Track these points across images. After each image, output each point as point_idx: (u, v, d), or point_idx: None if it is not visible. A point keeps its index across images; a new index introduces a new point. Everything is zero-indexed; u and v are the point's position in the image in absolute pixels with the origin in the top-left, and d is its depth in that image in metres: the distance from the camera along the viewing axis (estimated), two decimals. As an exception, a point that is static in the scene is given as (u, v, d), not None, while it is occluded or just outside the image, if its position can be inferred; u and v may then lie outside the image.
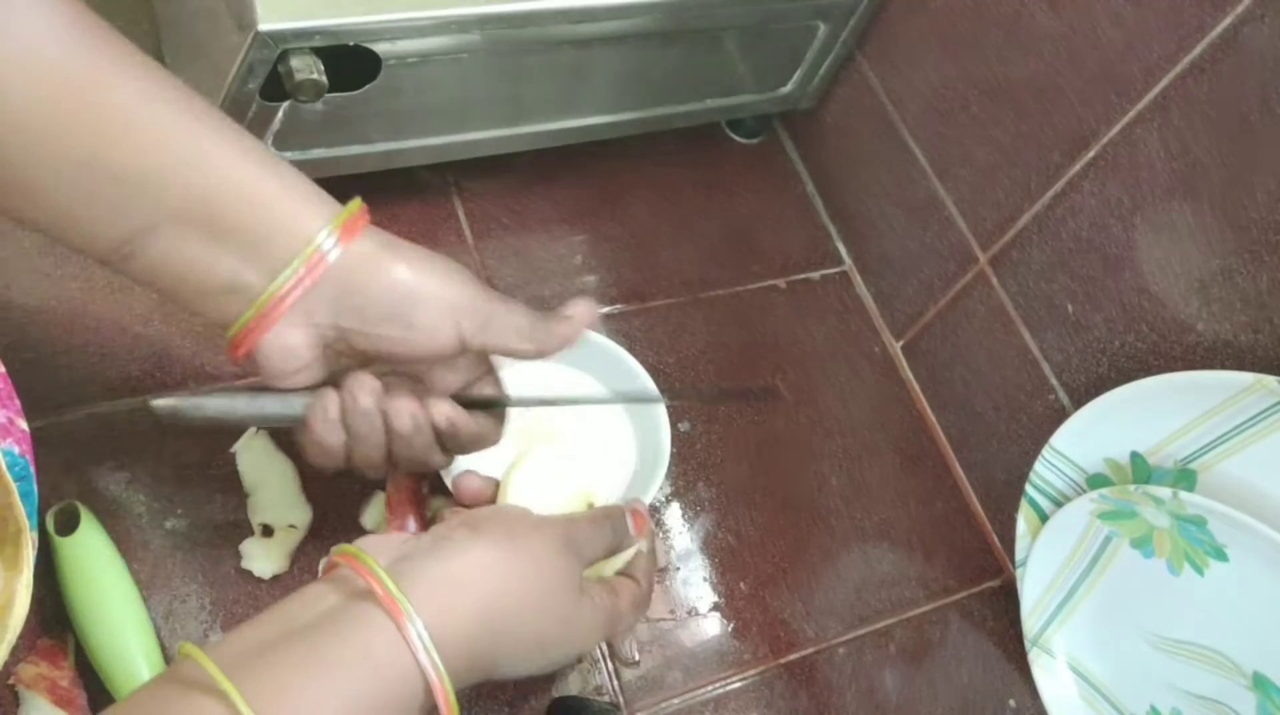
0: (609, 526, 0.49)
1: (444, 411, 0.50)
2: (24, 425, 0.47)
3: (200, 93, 0.44)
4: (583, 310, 0.51)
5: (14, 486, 0.43)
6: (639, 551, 0.52)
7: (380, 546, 0.42)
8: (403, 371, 0.50)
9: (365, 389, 0.47)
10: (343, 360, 0.48)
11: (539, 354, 0.50)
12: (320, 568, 0.42)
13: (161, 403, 0.46)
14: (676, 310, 0.78)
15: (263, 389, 0.48)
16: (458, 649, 0.40)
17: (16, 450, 0.45)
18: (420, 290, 0.46)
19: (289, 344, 0.46)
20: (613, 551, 0.50)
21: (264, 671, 0.36)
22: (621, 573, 0.51)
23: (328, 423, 0.48)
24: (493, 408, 0.53)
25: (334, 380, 0.49)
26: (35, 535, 0.44)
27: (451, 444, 0.52)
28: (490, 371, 0.53)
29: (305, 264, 0.44)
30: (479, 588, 0.41)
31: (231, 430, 0.61)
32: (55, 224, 0.42)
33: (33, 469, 0.46)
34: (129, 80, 0.41)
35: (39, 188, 0.41)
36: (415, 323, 0.46)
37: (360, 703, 0.37)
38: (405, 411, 0.48)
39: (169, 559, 0.57)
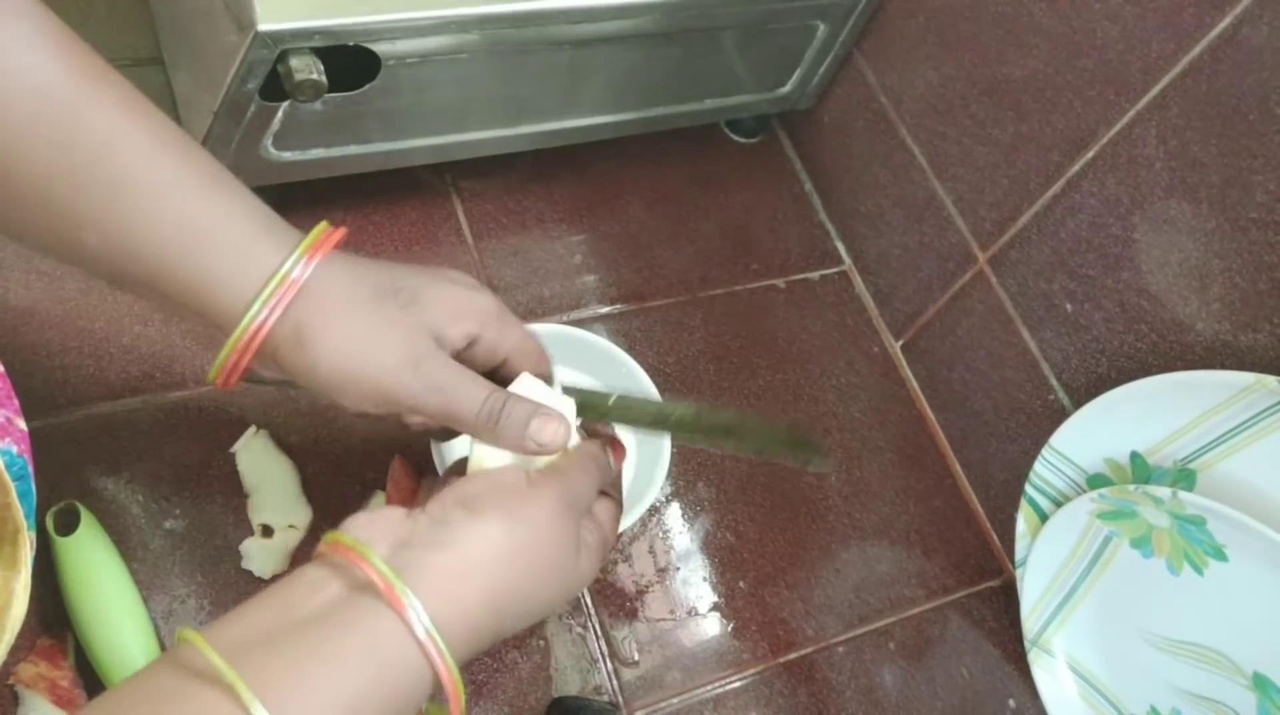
0: (595, 468, 0.48)
1: (415, 419, 0.51)
2: (23, 425, 0.47)
3: (200, 93, 0.44)
4: (550, 432, 0.46)
5: (12, 486, 0.43)
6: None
7: (375, 530, 0.41)
8: None
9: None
10: None
11: (491, 443, 0.47)
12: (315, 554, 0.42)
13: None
14: (676, 310, 0.78)
15: None
16: (463, 635, 0.39)
17: (15, 450, 0.45)
18: (330, 384, 0.44)
19: (268, 372, 0.46)
20: (601, 490, 0.49)
21: (269, 663, 0.35)
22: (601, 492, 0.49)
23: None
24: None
25: None
26: (34, 535, 0.44)
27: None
28: (513, 348, 0.50)
29: (275, 297, 0.42)
30: (483, 573, 0.41)
31: (235, 430, 0.61)
32: (37, 248, 0.43)
33: (31, 469, 0.46)
34: (80, 132, 0.40)
35: (10, 215, 0.41)
36: (339, 403, 0.45)
37: (368, 696, 0.37)
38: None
39: (169, 559, 0.57)
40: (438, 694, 0.40)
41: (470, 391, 0.45)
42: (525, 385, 0.48)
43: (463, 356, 0.47)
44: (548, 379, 0.51)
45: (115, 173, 0.40)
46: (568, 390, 0.51)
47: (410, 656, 0.38)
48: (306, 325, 0.43)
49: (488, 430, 0.45)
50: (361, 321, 0.44)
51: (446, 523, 0.41)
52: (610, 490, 0.50)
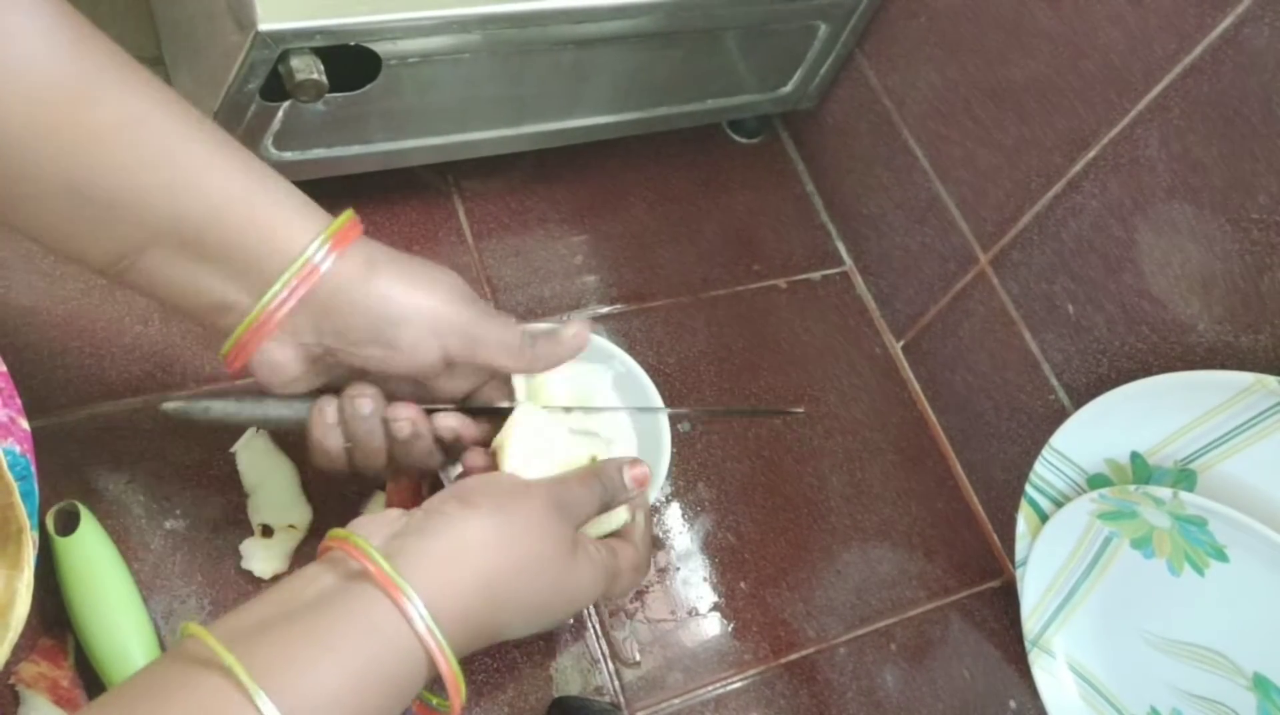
0: (598, 484, 0.49)
1: (448, 424, 0.51)
2: (25, 424, 0.47)
3: (201, 93, 0.44)
4: (576, 330, 0.52)
5: (15, 486, 0.43)
6: (635, 517, 0.51)
7: (373, 527, 0.42)
8: (401, 381, 0.50)
9: (364, 397, 0.48)
10: (336, 370, 0.49)
11: (527, 371, 0.51)
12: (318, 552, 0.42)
13: (172, 406, 0.48)
14: (677, 310, 0.78)
15: (266, 393, 0.49)
16: (458, 621, 0.40)
17: (18, 449, 0.45)
18: (402, 311, 0.46)
19: (277, 360, 0.46)
20: (606, 507, 0.50)
21: (267, 647, 0.36)
22: (618, 536, 0.51)
23: (326, 427, 0.49)
24: (498, 414, 0.53)
25: (335, 386, 0.49)
26: (36, 535, 0.44)
27: (455, 450, 0.52)
28: (496, 375, 0.53)
29: (297, 278, 0.44)
30: (474, 559, 0.41)
31: (235, 430, 0.61)
32: (47, 239, 0.43)
33: (33, 468, 0.46)
34: (118, 103, 0.41)
35: (28, 205, 0.41)
36: (398, 343, 0.46)
37: (365, 678, 0.37)
38: (405, 419, 0.49)
39: (169, 559, 0.57)
40: (437, 685, 0.40)
41: (512, 325, 0.50)
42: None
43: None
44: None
45: (162, 135, 0.42)
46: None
47: (406, 640, 0.38)
48: (376, 258, 0.46)
49: (531, 350, 0.50)
50: (417, 266, 0.48)
51: (440, 514, 0.42)
52: (634, 540, 0.51)
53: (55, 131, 0.40)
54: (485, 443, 0.53)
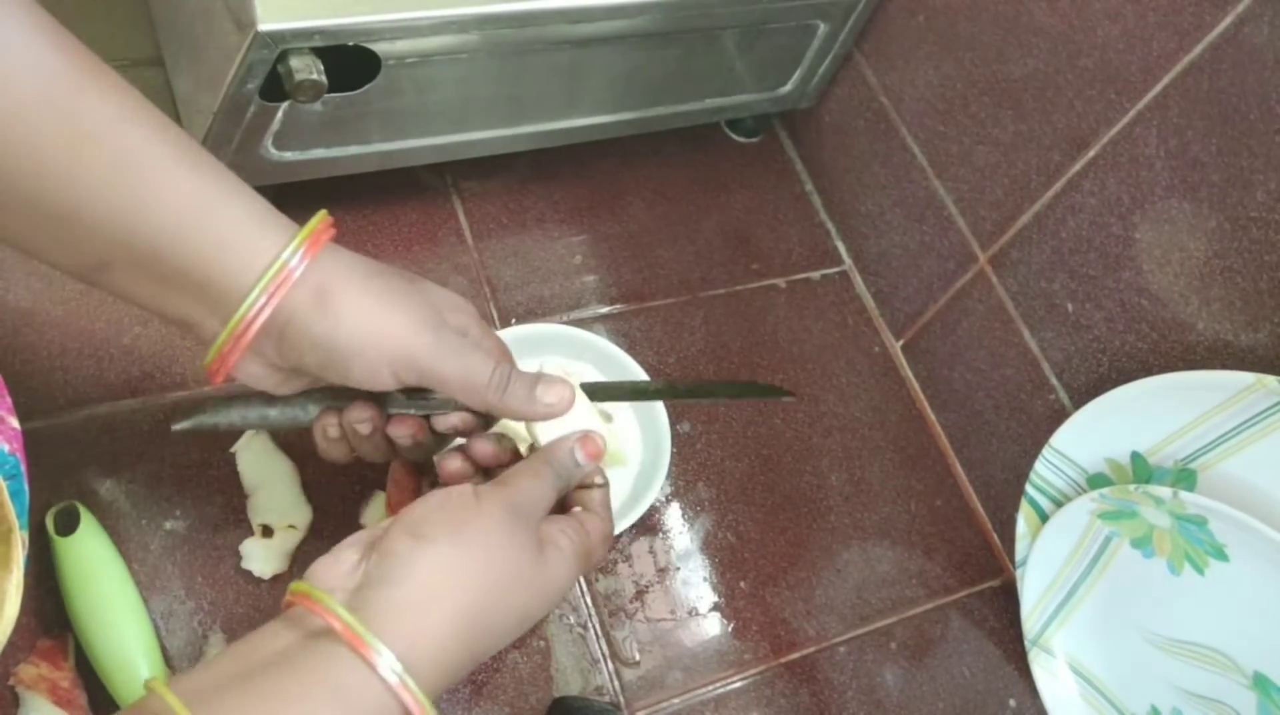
0: (549, 471, 0.47)
1: (450, 423, 0.51)
2: (15, 423, 0.47)
3: (200, 93, 0.44)
4: (554, 399, 0.49)
5: (4, 485, 0.43)
6: (593, 490, 0.50)
7: (332, 575, 0.41)
8: None
9: (364, 422, 0.49)
10: (318, 381, 0.48)
11: (490, 413, 0.50)
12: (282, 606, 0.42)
13: (180, 426, 0.49)
14: (676, 310, 0.78)
15: (269, 398, 0.49)
16: (435, 667, 0.39)
17: (7, 448, 0.45)
18: (350, 344, 0.44)
19: (254, 373, 0.46)
20: (562, 492, 0.48)
21: (224, 708, 0.36)
22: (585, 509, 0.50)
23: (330, 441, 0.50)
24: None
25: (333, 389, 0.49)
26: (26, 535, 0.44)
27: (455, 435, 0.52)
28: (492, 347, 0.52)
29: (265, 296, 0.43)
30: (442, 599, 0.40)
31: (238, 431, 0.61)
32: (21, 247, 0.42)
33: (23, 467, 0.46)
34: (74, 119, 0.40)
35: None
36: (350, 371, 0.45)
37: None
38: (405, 435, 0.50)
39: (169, 559, 0.57)
40: None
41: (483, 359, 0.47)
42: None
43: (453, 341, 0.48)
44: None
45: (119, 147, 0.40)
46: None
47: (376, 696, 0.38)
48: (328, 286, 0.44)
49: (497, 395, 0.47)
50: (379, 287, 0.45)
51: (396, 554, 0.41)
52: (595, 508, 0.50)
53: (16, 145, 0.39)
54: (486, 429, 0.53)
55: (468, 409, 0.51)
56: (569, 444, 0.49)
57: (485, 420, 0.53)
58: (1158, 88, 0.58)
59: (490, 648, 0.43)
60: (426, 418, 0.51)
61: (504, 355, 0.51)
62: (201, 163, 0.43)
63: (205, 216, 0.42)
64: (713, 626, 0.66)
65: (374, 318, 0.44)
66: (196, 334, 0.45)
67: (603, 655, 0.62)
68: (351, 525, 0.61)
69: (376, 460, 0.51)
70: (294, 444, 0.62)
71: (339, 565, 0.42)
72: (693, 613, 0.66)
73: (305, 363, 0.45)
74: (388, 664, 0.37)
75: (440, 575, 0.41)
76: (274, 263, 0.42)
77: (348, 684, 0.37)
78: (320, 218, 0.45)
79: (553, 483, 0.47)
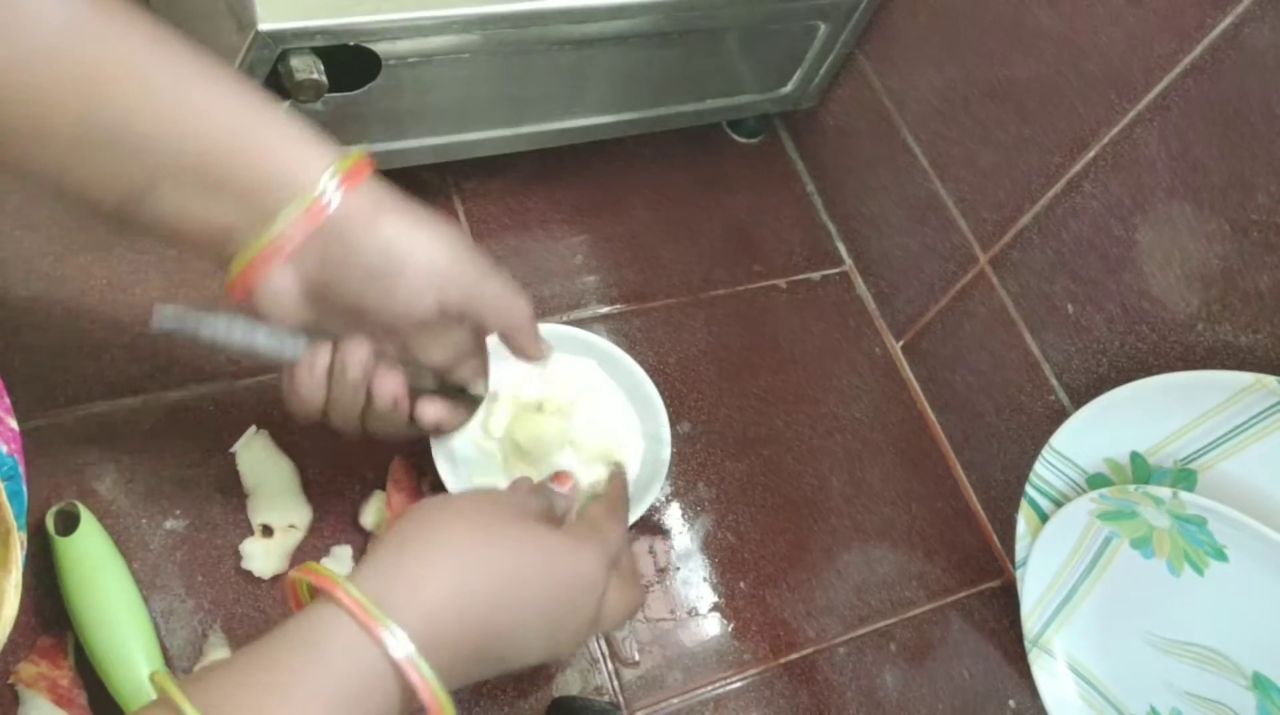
0: (531, 493, 0.50)
1: (431, 411, 0.52)
2: (13, 424, 0.47)
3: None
4: (540, 348, 0.53)
5: (2, 486, 0.43)
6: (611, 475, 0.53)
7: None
8: (391, 334, 0.49)
9: (355, 360, 0.48)
10: (331, 313, 0.48)
11: (517, 334, 0.52)
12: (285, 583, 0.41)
13: (163, 323, 0.47)
14: (677, 310, 0.78)
15: (262, 323, 0.48)
16: (448, 639, 0.38)
17: (5, 449, 0.45)
18: (404, 256, 0.45)
19: (279, 288, 0.46)
20: (548, 511, 0.49)
21: (218, 685, 0.35)
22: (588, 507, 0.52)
23: (313, 376, 0.48)
24: (474, 402, 0.55)
25: (327, 332, 0.49)
26: (24, 535, 0.44)
27: (431, 428, 0.54)
28: (479, 352, 0.54)
29: (306, 210, 0.43)
30: (445, 570, 0.40)
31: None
32: (58, 180, 0.43)
33: (22, 468, 0.46)
34: (125, 39, 0.41)
35: (38, 149, 0.41)
36: (395, 289, 0.45)
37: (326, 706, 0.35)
38: (388, 392, 0.49)
39: (169, 559, 0.57)
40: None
41: (518, 290, 0.50)
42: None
43: (469, 301, 0.50)
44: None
45: (163, 63, 0.42)
46: None
47: (380, 674, 0.37)
48: (382, 205, 0.45)
49: (523, 320, 0.51)
50: (424, 216, 0.47)
51: (389, 537, 0.41)
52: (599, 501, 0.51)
53: (62, 70, 0.39)
54: (458, 425, 0.55)
55: (442, 393, 0.52)
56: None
57: (459, 416, 0.54)
58: (1158, 89, 0.58)
59: (511, 631, 0.41)
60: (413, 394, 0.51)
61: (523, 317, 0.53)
62: (246, 85, 0.44)
63: (257, 119, 0.43)
64: (712, 627, 0.66)
65: (424, 239, 0.46)
66: (227, 250, 0.45)
67: (602, 655, 0.62)
68: (351, 525, 0.61)
69: (345, 416, 0.50)
70: (294, 444, 0.62)
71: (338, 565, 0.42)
72: (692, 613, 0.66)
73: (347, 281, 0.45)
74: (398, 642, 0.36)
75: (444, 547, 0.41)
76: (330, 167, 0.44)
77: (345, 651, 0.36)
78: (359, 154, 0.46)
79: (538, 505, 0.48)
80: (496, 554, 0.41)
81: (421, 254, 0.46)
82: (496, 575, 0.41)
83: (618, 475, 0.56)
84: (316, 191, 0.43)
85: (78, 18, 0.40)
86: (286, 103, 0.58)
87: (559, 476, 0.52)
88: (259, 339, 0.48)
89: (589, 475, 0.63)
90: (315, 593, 0.39)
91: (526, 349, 0.53)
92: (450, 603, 0.39)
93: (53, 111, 0.40)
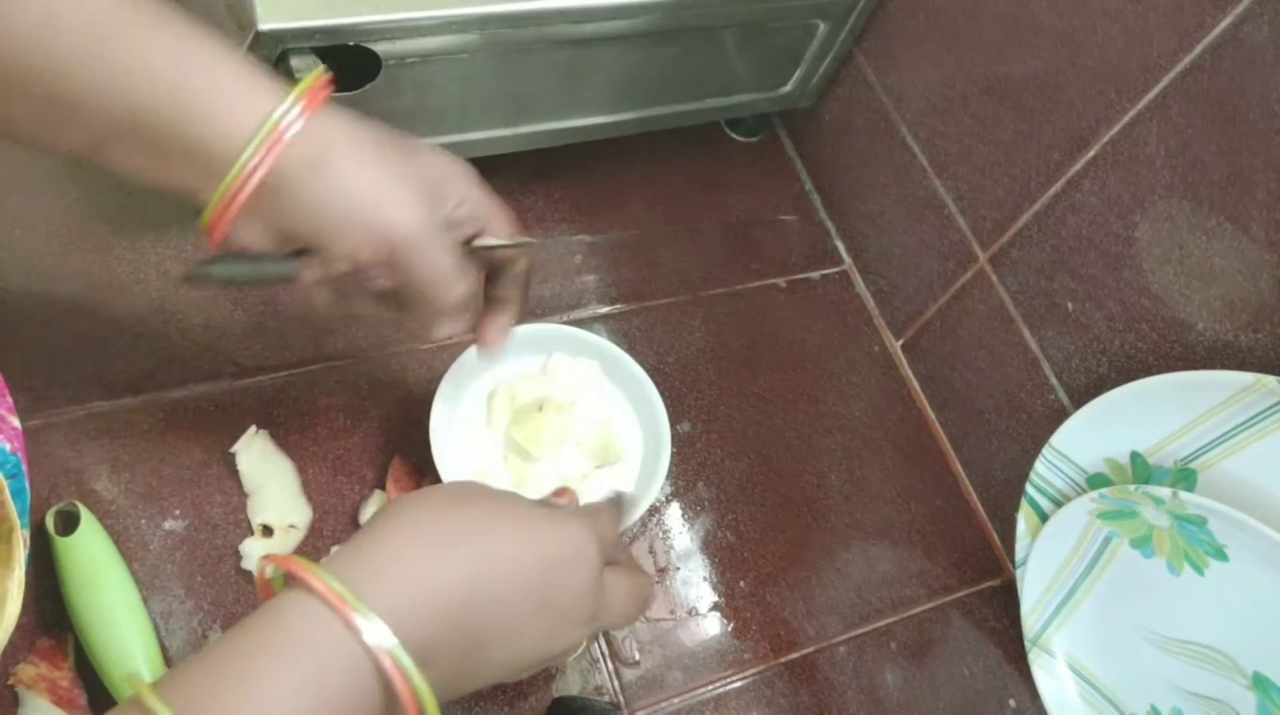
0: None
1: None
2: (16, 422, 0.47)
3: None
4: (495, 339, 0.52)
5: (5, 485, 0.43)
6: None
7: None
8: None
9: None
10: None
11: (436, 317, 0.48)
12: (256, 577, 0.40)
13: (198, 270, 0.46)
14: (676, 309, 0.78)
15: (264, 255, 0.47)
16: (424, 617, 0.36)
17: (8, 447, 0.45)
18: (341, 213, 0.43)
19: (252, 234, 0.44)
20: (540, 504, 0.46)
21: (195, 685, 0.33)
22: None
23: (312, 284, 0.47)
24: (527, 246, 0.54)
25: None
26: (27, 534, 0.44)
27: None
28: (484, 215, 0.51)
29: (257, 153, 0.41)
30: (415, 547, 0.37)
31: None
32: (18, 133, 0.42)
33: (24, 466, 0.46)
34: (75, 6, 0.39)
35: None
36: (340, 241, 0.44)
37: (296, 702, 0.33)
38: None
39: (169, 559, 0.57)
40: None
41: (455, 270, 0.47)
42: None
43: (452, 215, 0.48)
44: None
45: (88, 23, 0.39)
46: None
47: (354, 665, 0.34)
48: (323, 149, 0.42)
49: (448, 302, 0.47)
50: (374, 158, 0.44)
51: (365, 529, 0.39)
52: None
53: (18, 34, 0.38)
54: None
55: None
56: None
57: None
58: (1158, 87, 0.58)
59: (495, 609, 0.38)
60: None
61: (499, 217, 0.51)
62: (185, 29, 0.42)
63: (189, 79, 0.41)
64: (713, 626, 0.66)
65: (369, 189, 0.43)
66: (201, 202, 0.43)
67: (603, 655, 0.62)
68: (352, 525, 0.61)
69: (361, 314, 0.49)
70: (294, 444, 0.62)
71: None
72: (693, 612, 0.66)
73: (299, 228, 0.44)
74: (371, 627, 0.34)
75: (417, 527, 0.39)
76: (266, 121, 0.41)
77: (313, 639, 0.34)
78: (316, 74, 0.44)
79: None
80: (467, 527, 0.39)
81: (362, 207, 0.43)
82: (470, 550, 0.38)
83: (616, 501, 0.51)
84: (263, 134, 0.41)
85: None
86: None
87: (560, 492, 0.50)
88: (265, 266, 0.47)
89: (588, 474, 0.63)
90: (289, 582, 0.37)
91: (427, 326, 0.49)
92: (421, 579, 0.37)
93: (10, 69, 0.39)
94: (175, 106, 0.41)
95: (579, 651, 0.44)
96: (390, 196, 0.44)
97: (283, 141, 0.42)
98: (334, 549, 0.60)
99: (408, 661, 0.35)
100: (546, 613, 0.40)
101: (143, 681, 0.33)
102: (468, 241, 0.50)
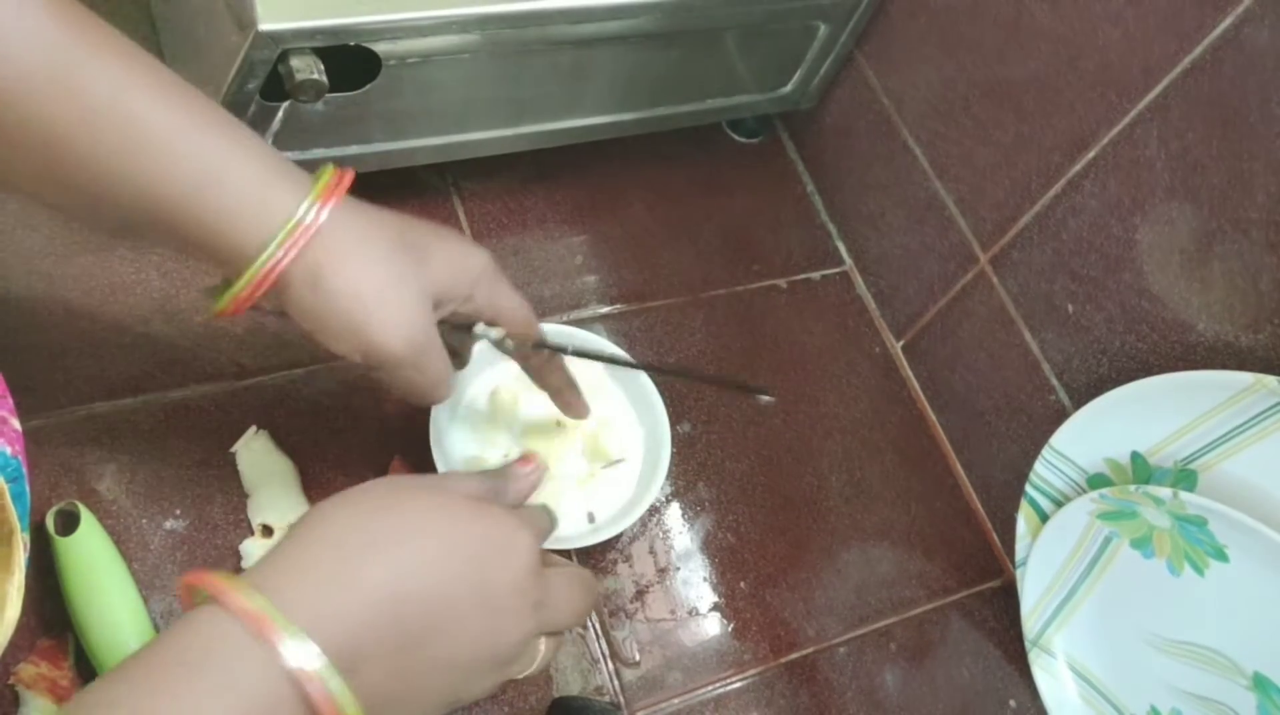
0: (482, 474, 0.47)
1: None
2: (17, 425, 0.47)
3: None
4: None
5: (6, 488, 0.43)
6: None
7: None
8: None
9: None
10: None
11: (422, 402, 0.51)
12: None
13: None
14: (676, 310, 0.78)
15: None
16: (355, 628, 0.35)
17: (9, 451, 0.45)
18: (337, 326, 0.45)
19: (262, 302, 0.45)
20: (486, 494, 0.45)
21: (108, 697, 0.32)
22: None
23: None
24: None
25: None
26: (27, 537, 0.44)
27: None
28: (501, 311, 0.53)
29: (264, 268, 0.43)
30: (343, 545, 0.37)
31: (237, 429, 0.61)
32: (55, 209, 0.44)
33: (25, 469, 0.46)
34: (86, 93, 0.39)
35: (10, 175, 0.41)
36: (336, 349, 0.46)
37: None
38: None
39: (169, 559, 0.57)
40: None
41: (447, 371, 0.49)
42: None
43: (457, 312, 0.50)
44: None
45: (125, 117, 0.40)
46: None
47: (269, 681, 0.33)
48: (323, 268, 0.44)
49: (435, 399, 0.50)
50: (377, 274, 0.45)
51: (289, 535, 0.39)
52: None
53: (23, 120, 0.39)
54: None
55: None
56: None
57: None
58: (1158, 89, 0.58)
59: (428, 605, 0.37)
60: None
61: (514, 315, 0.53)
62: (209, 125, 0.43)
63: (210, 186, 0.42)
64: (713, 627, 0.66)
65: (362, 312, 0.44)
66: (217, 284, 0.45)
67: (603, 655, 0.62)
68: (352, 525, 0.61)
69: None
70: (294, 444, 0.62)
71: None
72: (693, 613, 0.66)
73: (300, 324, 0.45)
74: (294, 647, 0.33)
75: (335, 524, 0.38)
76: (289, 220, 0.43)
77: (229, 658, 0.33)
78: (329, 173, 0.45)
79: (484, 480, 0.46)
80: (390, 524, 0.38)
81: (358, 325, 0.44)
82: (393, 548, 0.38)
83: (546, 508, 0.49)
84: (269, 252, 0.42)
85: (43, 57, 0.38)
86: (286, 103, 0.58)
87: (524, 457, 0.48)
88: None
89: (588, 474, 0.63)
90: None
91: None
92: (343, 581, 0.36)
93: (19, 156, 0.40)
94: (196, 210, 0.42)
95: (544, 660, 0.43)
96: (383, 314, 0.45)
97: (299, 245, 0.43)
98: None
99: (331, 676, 0.34)
100: (483, 604, 0.39)
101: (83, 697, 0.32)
102: (470, 326, 0.53)
